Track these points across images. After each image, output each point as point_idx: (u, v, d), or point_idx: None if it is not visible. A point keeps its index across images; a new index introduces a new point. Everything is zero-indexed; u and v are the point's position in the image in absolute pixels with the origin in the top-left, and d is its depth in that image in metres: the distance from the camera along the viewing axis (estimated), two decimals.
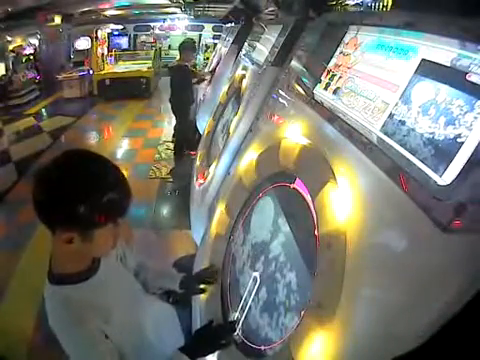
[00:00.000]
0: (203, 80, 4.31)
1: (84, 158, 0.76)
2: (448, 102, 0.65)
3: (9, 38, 7.77)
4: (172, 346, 0.98)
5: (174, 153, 4.41)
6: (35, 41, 8.73)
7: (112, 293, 0.88)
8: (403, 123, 0.75)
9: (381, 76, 0.87)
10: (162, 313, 1.14)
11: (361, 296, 0.66)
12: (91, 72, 8.05)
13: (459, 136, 0.60)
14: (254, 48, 2.43)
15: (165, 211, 3.48)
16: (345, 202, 0.78)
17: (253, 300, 1.06)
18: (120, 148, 5.13)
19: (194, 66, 4.60)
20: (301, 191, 1.00)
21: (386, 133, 0.79)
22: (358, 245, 0.71)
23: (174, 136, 4.56)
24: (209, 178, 1.96)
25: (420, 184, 0.63)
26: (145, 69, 8.12)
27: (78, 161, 0.74)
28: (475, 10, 0.61)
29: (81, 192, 0.69)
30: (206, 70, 5.20)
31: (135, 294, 1.01)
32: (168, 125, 5.61)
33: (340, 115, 0.98)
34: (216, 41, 8.28)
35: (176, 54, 4.98)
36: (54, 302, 0.79)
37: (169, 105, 4.26)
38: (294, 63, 1.41)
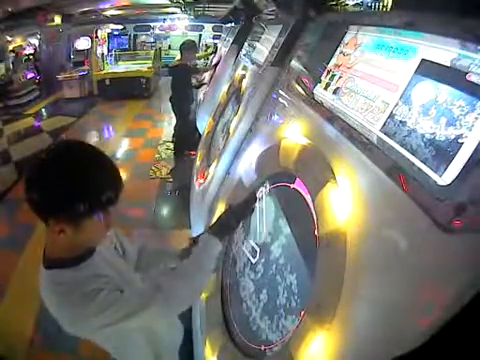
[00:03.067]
0: (202, 85, 4.30)
1: (71, 149, 0.78)
2: (448, 102, 0.65)
3: (9, 38, 7.76)
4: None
5: (174, 153, 4.41)
6: (35, 41, 8.72)
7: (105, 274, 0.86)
8: (403, 123, 0.75)
9: (381, 76, 0.87)
10: None
11: (361, 296, 0.66)
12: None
13: (459, 136, 0.60)
14: (254, 48, 2.43)
15: (165, 211, 3.48)
16: (345, 202, 0.78)
17: (253, 302, 1.06)
18: (120, 148, 5.13)
19: (194, 66, 4.58)
20: (301, 191, 1.00)
21: (386, 133, 0.79)
22: (358, 245, 0.71)
23: (174, 136, 4.56)
24: (209, 178, 1.95)
25: (420, 184, 0.63)
26: (145, 69, 8.11)
27: (65, 153, 0.76)
28: (475, 10, 0.61)
29: (67, 184, 0.71)
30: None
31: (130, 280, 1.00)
32: (168, 125, 5.60)
33: (340, 115, 0.98)
34: (216, 41, 8.28)
35: (176, 54, 4.98)
36: (50, 286, 0.78)
37: (169, 105, 4.26)
38: (294, 63, 1.41)
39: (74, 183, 0.71)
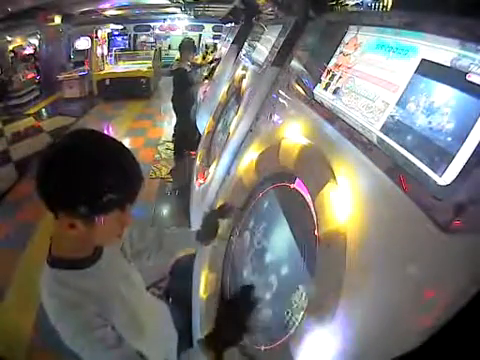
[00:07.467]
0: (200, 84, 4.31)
1: (92, 139, 0.71)
2: (448, 102, 0.65)
3: (9, 38, 7.77)
4: (165, 339, 1.06)
5: (174, 153, 4.41)
6: (35, 41, 8.73)
7: (111, 284, 0.84)
8: (403, 123, 0.75)
9: (381, 76, 0.87)
10: (159, 308, 1.15)
11: (361, 296, 0.66)
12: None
13: (459, 136, 0.60)
14: (254, 48, 2.43)
15: (165, 211, 3.48)
16: (345, 202, 0.78)
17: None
18: None
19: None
20: (301, 191, 1.00)
21: (386, 133, 0.79)
22: (358, 245, 0.71)
23: (174, 136, 4.56)
24: (209, 178, 1.96)
25: (420, 184, 0.63)
26: (145, 69, 8.12)
27: (85, 142, 0.70)
28: (475, 10, 0.61)
29: (85, 176, 0.65)
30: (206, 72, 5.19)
31: (135, 287, 0.98)
32: (168, 125, 5.61)
33: (340, 115, 0.98)
34: (216, 41, 8.28)
35: (176, 54, 4.98)
36: (52, 285, 0.74)
37: (169, 105, 4.28)
38: (294, 63, 1.41)
39: (92, 174, 0.65)
